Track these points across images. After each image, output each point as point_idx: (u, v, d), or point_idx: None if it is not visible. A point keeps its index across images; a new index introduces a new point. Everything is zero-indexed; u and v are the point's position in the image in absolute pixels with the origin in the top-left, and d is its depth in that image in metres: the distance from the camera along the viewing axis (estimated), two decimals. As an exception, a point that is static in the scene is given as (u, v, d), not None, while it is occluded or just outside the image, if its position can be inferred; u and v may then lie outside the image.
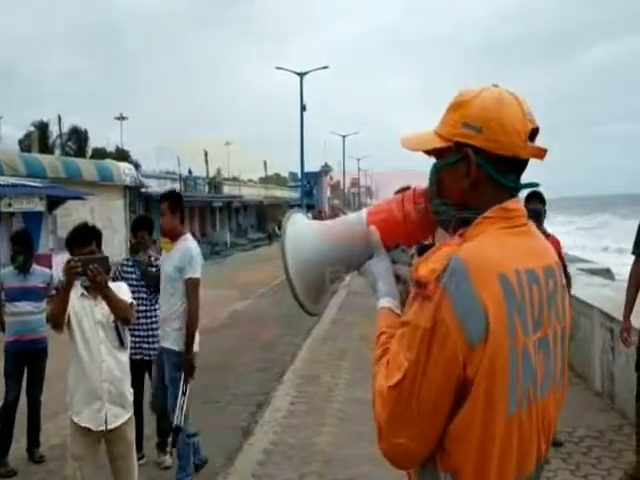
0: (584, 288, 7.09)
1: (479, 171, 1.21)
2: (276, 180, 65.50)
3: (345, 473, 4.32)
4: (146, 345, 4.70)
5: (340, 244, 1.42)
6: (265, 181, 58.80)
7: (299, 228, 1.48)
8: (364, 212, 1.45)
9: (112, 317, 3.24)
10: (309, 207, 42.10)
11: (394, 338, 1.20)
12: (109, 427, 3.24)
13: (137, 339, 4.51)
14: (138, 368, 4.48)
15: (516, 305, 1.13)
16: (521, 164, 1.24)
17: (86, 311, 3.25)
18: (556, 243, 4.24)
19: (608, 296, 6.59)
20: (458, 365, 1.09)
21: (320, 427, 5.28)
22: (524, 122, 1.20)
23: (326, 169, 66.70)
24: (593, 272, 10.40)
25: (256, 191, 46.90)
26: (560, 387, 1.26)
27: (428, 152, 1.30)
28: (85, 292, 3.26)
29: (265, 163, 62.06)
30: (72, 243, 3.28)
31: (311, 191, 54.04)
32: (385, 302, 1.36)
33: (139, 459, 4.34)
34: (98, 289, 3.15)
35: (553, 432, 1.28)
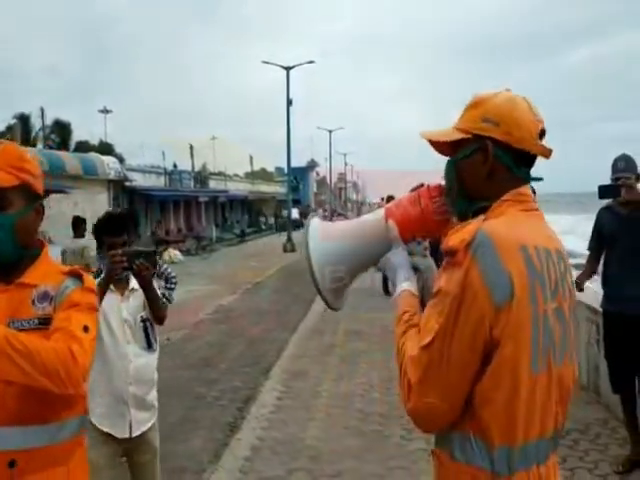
0: (569, 282, 7.11)
1: (495, 161, 1.35)
2: (262, 175, 65.28)
3: (332, 468, 4.30)
4: None
5: (360, 242, 1.55)
6: (251, 176, 58.57)
7: (321, 230, 1.61)
8: (381, 210, 1.59)
9: (139, 317, 2.99)
10: (295, 202, 42.09)
11: (426, 308, 1.30)
12: (133, 435, 2.95)
13: None
14: None
15: (536, 274, 1.25)
16: (531, 160, 1.39)
17: (112, 308, 2.93)
18: None
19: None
20: (485, 327, 1.20)
21: (307, 422, 5.25)
22: (535, 121, 1.36)
23: (313, 164, 66.63)
24: (577, 267, 10.47)
25: (242, 186, 46.72)
26: (574, 358, 1.37)
27: (440, 149, 1.45)
28: (112, 287, 2.95)
29: (251, 158, 61.85)
30: (104, 231, 3.00)
31: (297, 186, 53.99)
32: (405, 286, 1.47)
33: None
34: (142, 286, 2.91)
35: (568, 402, 1.37)
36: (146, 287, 2.93)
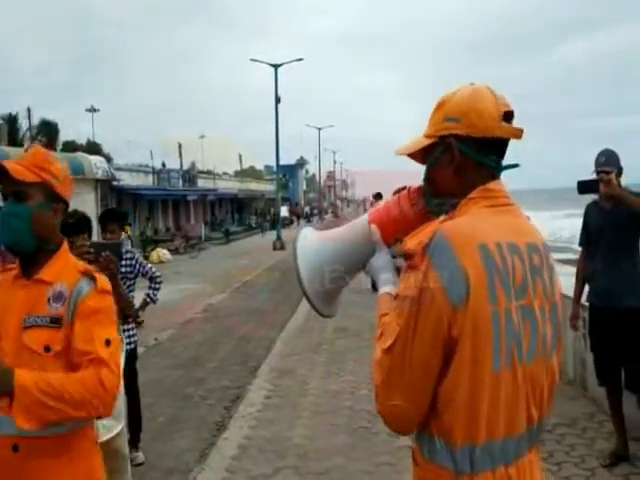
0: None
1: (462, 156, 1.35)
2: (252, 173, 65.17)
3: (320, 466, 4.29)
4: (134, 332, 4.56)
5: (346, 247, 1.59)
6: (240, 174, 58.45)
7: (308, 239, 1.63)
8: (366, 215, 1.62)
9: None
10: (285, 200, 41.98)
11: (390, 312, 1.32)
12: (99, 440, 3.01)
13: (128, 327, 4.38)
14: (131, 358, 4.34)
15: (497, 272, 1.24)
16: (500, 145, 1.38)
17: None
18: None
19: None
20: (444, 327, 1.21)
21: (295, 420, 5.23)
22: (497, 106, 1.35)
23: (302, 162, 66.56)
24: (565, 262, 10.52)
25: (231, 184, 46.58)
26: (553, 358, 1.35)
27: (418, 159, 1.47)
28: None
29: (240, 156, 61.73)
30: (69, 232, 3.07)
31: (287, 184, 53.95)
32: (386, 289, 1.48)
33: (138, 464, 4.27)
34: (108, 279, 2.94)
35: (549, 401, 1.36)
36: (111, 281, 2.92)
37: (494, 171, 1.38)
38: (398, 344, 1.24)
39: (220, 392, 6.32)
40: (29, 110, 38.77)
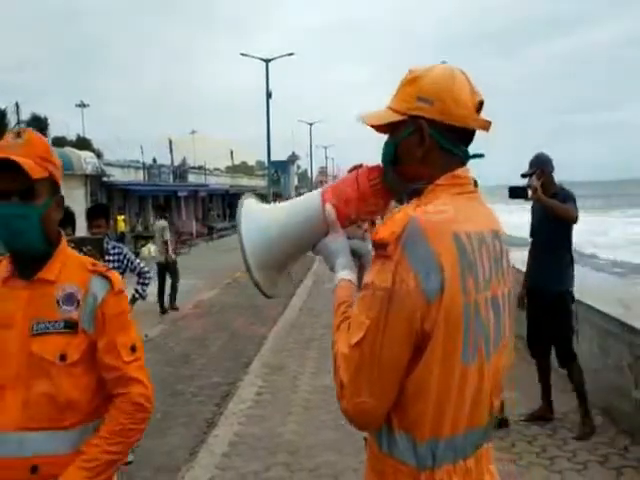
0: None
1: (431, 141, 1.29)
2: (243, 169, 65.00)
3: (311, 462, 4.25)
4: None
5: (296, 225, 1.46)
6: (232, 170, 58.26)
7: (254, 211, 1.51)
8: (318, 192, 1.49)
9: None
10: (276, 195, 41.89)
11: (356, 301, 1.25)
12: None
13: None
14: None
15: (468, 263, 1.21)
16: (469, 135, 1.33)
17: None
18: None
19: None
20: (416, 320, 1.16)
21: (286, 417, 5.20)
22: (472, 95, 1.30)
23: (294, 158, 66.45)
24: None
25: (223, 180, 46.42)
26: (509, 345, 1.34)
27: (381, 129, 1.38)
28: None
29: (232, 152, 61.49)
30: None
31: (278, 180, 53.86)
32: (344, 275, 1.40)
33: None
34: None
35: (501, 390, 1.35)
36: None
37: (461, 159, 1.33)
38: (367, 339, 1.18)
39: (211, 388, 6.27)
40: (17, 105, 38.41)
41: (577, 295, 4.85)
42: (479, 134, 1.35)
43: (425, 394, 1.19)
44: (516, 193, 4.51)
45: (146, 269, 4.77)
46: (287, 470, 4.17)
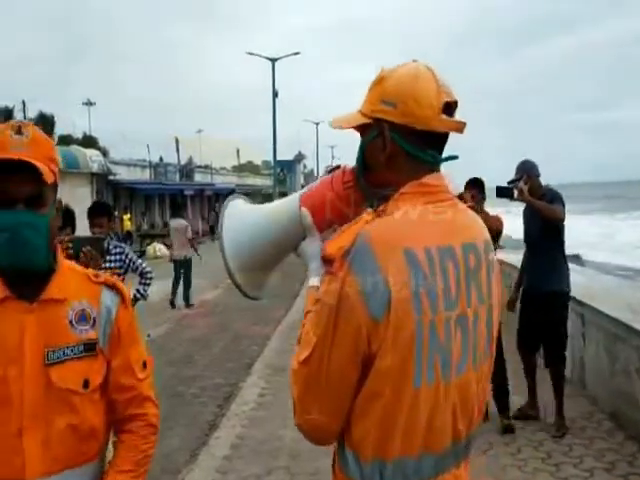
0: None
1: (394, 146, 1.22)
2: (250, 168, 64.99)
3: (312, 466, 4.19)
4: None
5: (276, 228, 1.45)
6: (238, 169, 58.25)
7: (236, 213, 1.49)
8: (298, 195, 1.47)
9: None
10: (283, 195, 41.81)
11: (307, 317, 1.22)
12: None
13: None
14: None
15: (424, 281, 1.13)
16: (440, 139, 1.24)
17: None
18: (497, 221, 4.71)
19: (578, 282, 6.55)
20: (363, 339, 1.12)
21: (287, 420, 5.13)
22: (438, 94, 1.20)
23: (300, 157, 66.39)
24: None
25: (229, 179, 46.41)
26: (484, 365, 1.27)
27: (357, 130, 1.31)
28: None
29: (238, 151, 61.50)
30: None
31: (285, 179, 53.81)
32: (315, 282, 1.35)
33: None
34: None
35: (479, 410, 1.27)
36: None
37: (432, 165, 1.24)
38: (315, 356, 1.15)
39: (213, 390, 6.23)
40: (24, 103, 38.55)
41: (585, 299, 4.80)
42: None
43: (370, 414, 1.15)
44: (502, 193, 4.66)
45: (148, 269, 4.71)
46: (288, 474, 4.13)
